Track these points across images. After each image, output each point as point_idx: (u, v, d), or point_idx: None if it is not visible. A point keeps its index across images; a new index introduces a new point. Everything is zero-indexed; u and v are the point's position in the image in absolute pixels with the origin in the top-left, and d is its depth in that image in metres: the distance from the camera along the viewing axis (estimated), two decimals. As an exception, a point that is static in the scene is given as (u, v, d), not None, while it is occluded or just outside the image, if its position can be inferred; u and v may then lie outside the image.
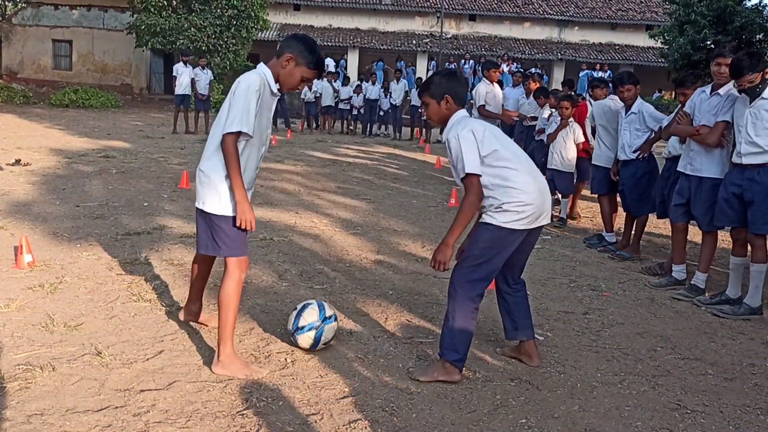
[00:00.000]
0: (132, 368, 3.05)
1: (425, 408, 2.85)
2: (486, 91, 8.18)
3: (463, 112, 3.17)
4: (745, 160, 4.22)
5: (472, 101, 12.39)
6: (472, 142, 2.99)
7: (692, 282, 4.72)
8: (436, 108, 3.16)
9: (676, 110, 5.25)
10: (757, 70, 4.12)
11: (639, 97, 5.68)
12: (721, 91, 4.54)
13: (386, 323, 3.83)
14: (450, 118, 3.15)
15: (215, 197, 2.98)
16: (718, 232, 4.78)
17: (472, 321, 3.10)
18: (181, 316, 3.63)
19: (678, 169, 4.85)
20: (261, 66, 3.05)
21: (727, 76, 4.47)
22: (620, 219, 6.36)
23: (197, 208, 3.08)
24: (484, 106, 8.08)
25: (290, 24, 29.95)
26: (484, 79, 8.34)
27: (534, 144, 8.70)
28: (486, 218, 3.06)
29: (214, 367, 3.06)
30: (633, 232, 5.87)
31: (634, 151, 5.54)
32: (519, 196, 2.99)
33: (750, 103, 4.22)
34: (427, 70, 26.72)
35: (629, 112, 5.61)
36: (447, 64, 24.74)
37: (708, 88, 4.67)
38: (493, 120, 7.75)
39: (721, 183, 4.48)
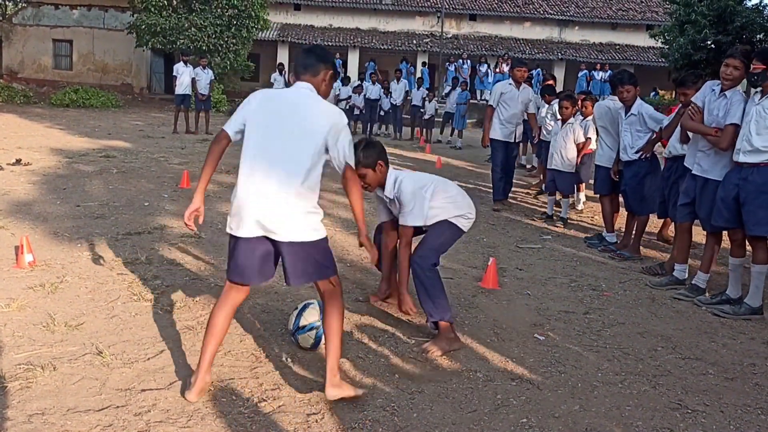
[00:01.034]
0: (133, 368, 3.05)
1: (426, 407, 2.86)
2: (502, 92, 7.50)
3: (392, 169, 3.77)
4: (742, 158, 4.21)
5: (485, 100, 12.35)
6: (426, 200, 3.71)
7: (693, 282, 4.72)
8: (373, 175, 3.63)
9: (677, 110, 5.25)
10: None
11: (639, 98, 5.67)
12: (728, 93, 4.50)
13: (387, 323, 3.83)
14: (386, 177, 3.71)
15: (317, 222, 2.85)
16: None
17: (441, 281, 3.64)
18: (193, 396, 2.80)
19: (685, 164, 4.84)
20: (307, 85, 2.89)
21: (732, 78, 4.45)
22: (621, 219, 6.36)
23: (294, 242, 2.73)
24: (492, 107, 7.56)
25: (291, 24, 29.94)
26: (509, 78, 7.68)
27: (543, 144, 8.68)
28: (454, 220, 3.75)
29: (331, 389, 2.79)
30: (634, 231, 5.87)
31: (636, 152, 5.54)
32: (469, 212, 3.84)
33: (758, 100, 4.21)
34: (434, 71, 26.52)
35: (629, 113, 5.59)
36: (447, 64, 24.72)
37: (717, 88, 4.63)
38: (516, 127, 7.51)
39: None
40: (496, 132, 7.52)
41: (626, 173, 5.71)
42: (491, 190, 7.95)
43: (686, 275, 4.94)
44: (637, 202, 5.67)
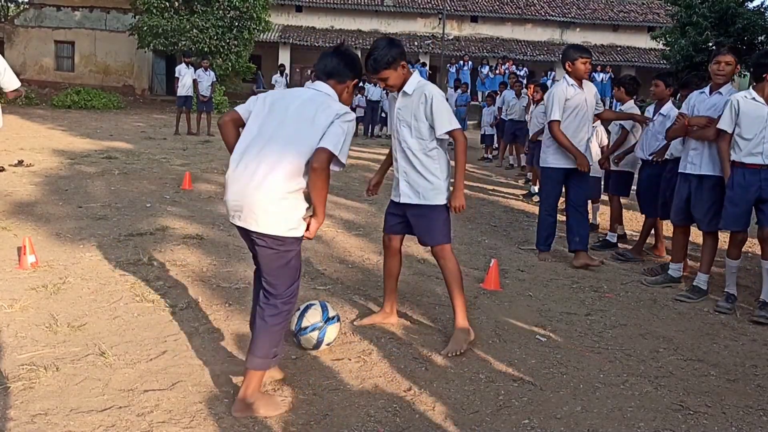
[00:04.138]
0: (135, 368, 3.06)
1: (428, 408, 2.86)
2: (565, 97, 5.20)
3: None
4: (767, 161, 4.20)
5: (500, 107, 12.23)
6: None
7: (694, 283, 4.72)
8: (395, 75, 3.39)
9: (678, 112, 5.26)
10: None
11: (671, 101, 5.62)
12: (723, 90, 4.54)
13: (388, 323, 3.83)
14: (408, 77, 3.45)
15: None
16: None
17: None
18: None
19: (679, 170, 4.84)
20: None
21: (726, 74, 4.49)
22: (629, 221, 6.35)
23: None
24: (558, 122, 5.19)
25: (292, 25, 29.98)
26: (565, 77, 5.32)
27: (533, 145, 8.67)
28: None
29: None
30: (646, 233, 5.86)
31: (650, 155, 5.54)
32: None
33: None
34: (435, 72, 26.57)
35: (657, 112, 5.56)
36: (448, 65, 24.74)
37: (707, 90, 4.67)
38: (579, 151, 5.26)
39: (720, 182, 4.47)
40: (553, 157, 5.37)
41: (641, 174, 5.69)
42: (492, 193, 7.90)
43: (681, 274, 4.98)
44: (648, 203, 5.67)
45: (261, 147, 2.64)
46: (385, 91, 17.41)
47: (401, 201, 3.56)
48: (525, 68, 24.27)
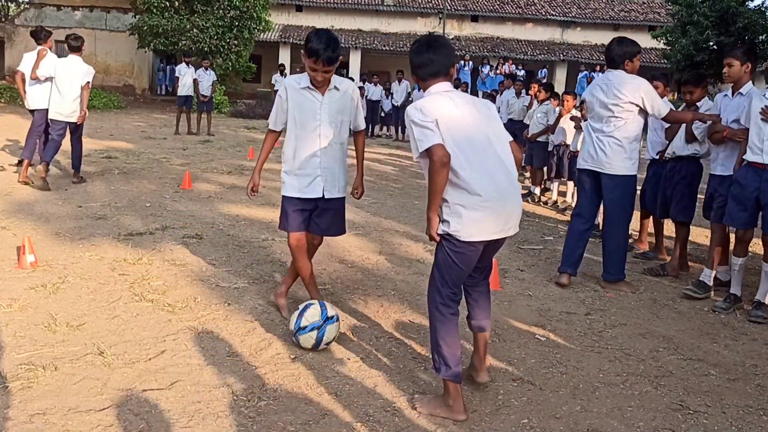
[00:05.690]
0: (134, 368, 3.06)
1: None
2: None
3: None
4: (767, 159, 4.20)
5: (499, 107, 12.22)
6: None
7: (700, 278, 4.70)
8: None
9: (680, 110, 5.25)
10: None
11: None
12: (743, 90, 4.55)
13: (388, 323, 3.83)
14: None
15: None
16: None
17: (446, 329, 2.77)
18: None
19: (715, 173, 4.77)
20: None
21: (729, 75, 4.54)
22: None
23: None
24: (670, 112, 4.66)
25: (292, 25, 29.97)
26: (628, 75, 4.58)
27: (531, 145, 8.66)
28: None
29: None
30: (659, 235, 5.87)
31: (657, 153, 5.57)
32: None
33: None
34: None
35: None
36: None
37: (729, 91, 4.70)
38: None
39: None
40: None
41: (647, 171, 5.71)
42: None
43: (728, 277, 4.72)
44: (653, 202, 5.68)
45: (485, 154, 2.68)
46: (383, 92, 17.48)
47: (325, 196, 3.58)
48: (545, 69, 24.40)
